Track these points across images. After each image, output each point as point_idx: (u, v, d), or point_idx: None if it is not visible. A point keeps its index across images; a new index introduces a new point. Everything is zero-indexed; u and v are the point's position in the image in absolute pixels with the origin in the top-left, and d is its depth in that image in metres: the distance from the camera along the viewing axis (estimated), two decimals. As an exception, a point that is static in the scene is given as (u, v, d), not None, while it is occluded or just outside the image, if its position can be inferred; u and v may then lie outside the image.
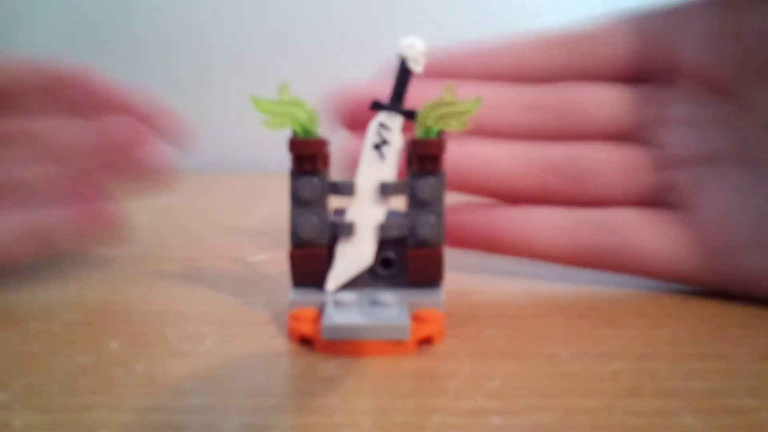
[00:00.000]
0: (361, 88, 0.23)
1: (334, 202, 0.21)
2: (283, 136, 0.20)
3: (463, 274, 0.25)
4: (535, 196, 0.24)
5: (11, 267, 0.23)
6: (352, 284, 0.20)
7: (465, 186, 0.24)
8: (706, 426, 0.14)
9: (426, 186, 0.20)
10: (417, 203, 0.20)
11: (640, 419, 0.15)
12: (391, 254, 0.21)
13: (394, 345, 0.18)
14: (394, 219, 0.20)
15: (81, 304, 0.22)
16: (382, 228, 0.20)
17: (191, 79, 0.55)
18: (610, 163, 0.24)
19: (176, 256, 0.28)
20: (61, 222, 0.23)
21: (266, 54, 0.54)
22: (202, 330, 0.19)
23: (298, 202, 0.20)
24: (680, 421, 0.14)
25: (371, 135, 0.20)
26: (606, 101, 0.24)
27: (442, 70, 0.24)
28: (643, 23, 0.24)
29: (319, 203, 0.20)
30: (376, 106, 0.20)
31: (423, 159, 0.20)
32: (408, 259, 0.20)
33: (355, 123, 0.23)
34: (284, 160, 0.20)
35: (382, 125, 0.20)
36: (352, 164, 0.20)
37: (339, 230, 0.20)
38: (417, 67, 0.20)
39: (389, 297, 0.19)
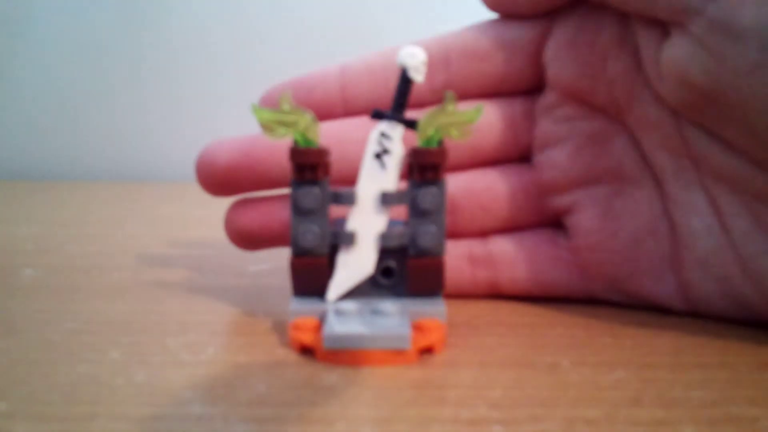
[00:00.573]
0: (235, 147, 0.22)
1: (335, 211, 0.21)
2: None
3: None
4: None
5: None
6: (353, 293, 0.20)
7: None
8: (707, 436, 0.14)
9: (427, 195, 0.20)
10: (418, 213, 0.20)
11: (641, 429, 0.15)
12: (392, 264, 0.21)
13: (395, 354, 0.18)
14: (395, 228, 0.20)
15: (81, 313, 0.22)
16: (383, 237, 0.20)
17: (192, 87, 0.56)
18: (494, 190, 0.23)
19: (177, 265, 0.28)
20: None
21: (269, 63, 0.55)
22: (203, 339, 0.19)
23: (299, 211, 0.20)
24: (681, 431, 0.14)
25: (372, 144, 0.20)
26: (484, 123, 0.23)
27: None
28: (509, 32, 0.23)
29: (320, 212, 0.20)
30: (377, 115, 0.20)
31: (424, 168, 0.20)
32: (409, 269, 0.20)
33: (229, 188, 0.22)
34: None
35: (383, 134, 0.20)
36: None
37: (340, 239, 0.20)
38: (418, 76, 0.20)
39: (390, 306, 0.19)
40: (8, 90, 0.56)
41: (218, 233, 0.23)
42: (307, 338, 0.18)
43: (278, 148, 0.21)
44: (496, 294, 0.23)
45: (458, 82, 0.23)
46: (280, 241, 0.22)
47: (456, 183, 0.23)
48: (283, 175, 0.21)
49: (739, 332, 0.20)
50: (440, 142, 0.20)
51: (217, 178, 0.22)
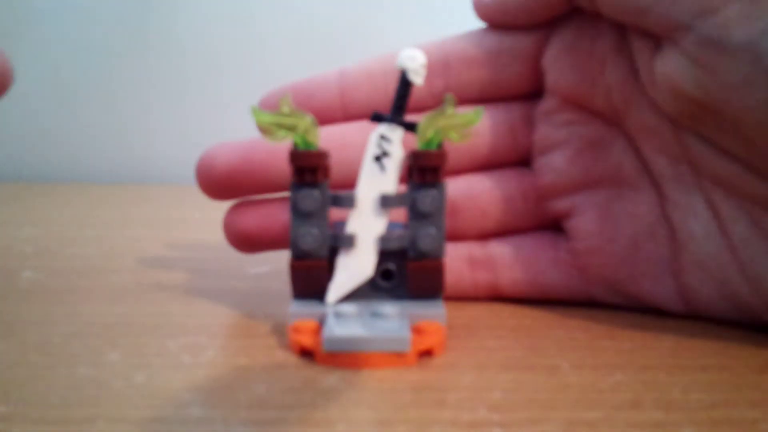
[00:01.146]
0: (235, 150, 0.22)
1: (335, 214, 0.21)
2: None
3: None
4: None
5: None
6: (353, 296, 0.20)
7: None
8: (707, 438, 0.14)
9: (427, 198, 0.20)
10: (418, 215, 0.20)
11: (640, 431, 0.15)
12: (391, 266, 0.21)
13: (395, 357, 0.18)
14: (394, 231, 0.20)
15: (81, 315, 0.22)
16: (383, 240, 0.20)
17: (195, 90, 0.56)
18: (492, 196, 0.23)
19: (177, 268, 0.28)
20: None
21: (273, 67, 0.55)
22: (203, 341, 0.19)
23: (298, 214, 0.20)
24: (681, 433, 0.14)
25: (372, 147, 0.20)
26: (484, 127, 0.23)
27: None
28: (508, 38, 0.23)
29: (319, 215, 0.20)
30: (377, 118, 0.20)
31: (423, 171, 0.20)
32: (409, 271, 0.20)
33: (229, 192, 0.23)
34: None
35: (382, 137, 0.20)
36: None
37: (339, 242, 0.20)
38: (417, 79, 0.20)
39: (390, 309, 0.19)
40: (10, 91, 0.56)
41: (218, 236, 0.23)
42: (306, 341, 0.18)
43: (278, 151, 0.21)
44: (496, 297, 0.23)
45: (457, 87, 0.23)
46: (279, 243, 0.22)
47: (456, 186, 0.23)
48: (282, 178, 0.21)
49: (738, 335, 0.20)
50: (440, 145, 0.20)
51: (217, 182, 0.22)
